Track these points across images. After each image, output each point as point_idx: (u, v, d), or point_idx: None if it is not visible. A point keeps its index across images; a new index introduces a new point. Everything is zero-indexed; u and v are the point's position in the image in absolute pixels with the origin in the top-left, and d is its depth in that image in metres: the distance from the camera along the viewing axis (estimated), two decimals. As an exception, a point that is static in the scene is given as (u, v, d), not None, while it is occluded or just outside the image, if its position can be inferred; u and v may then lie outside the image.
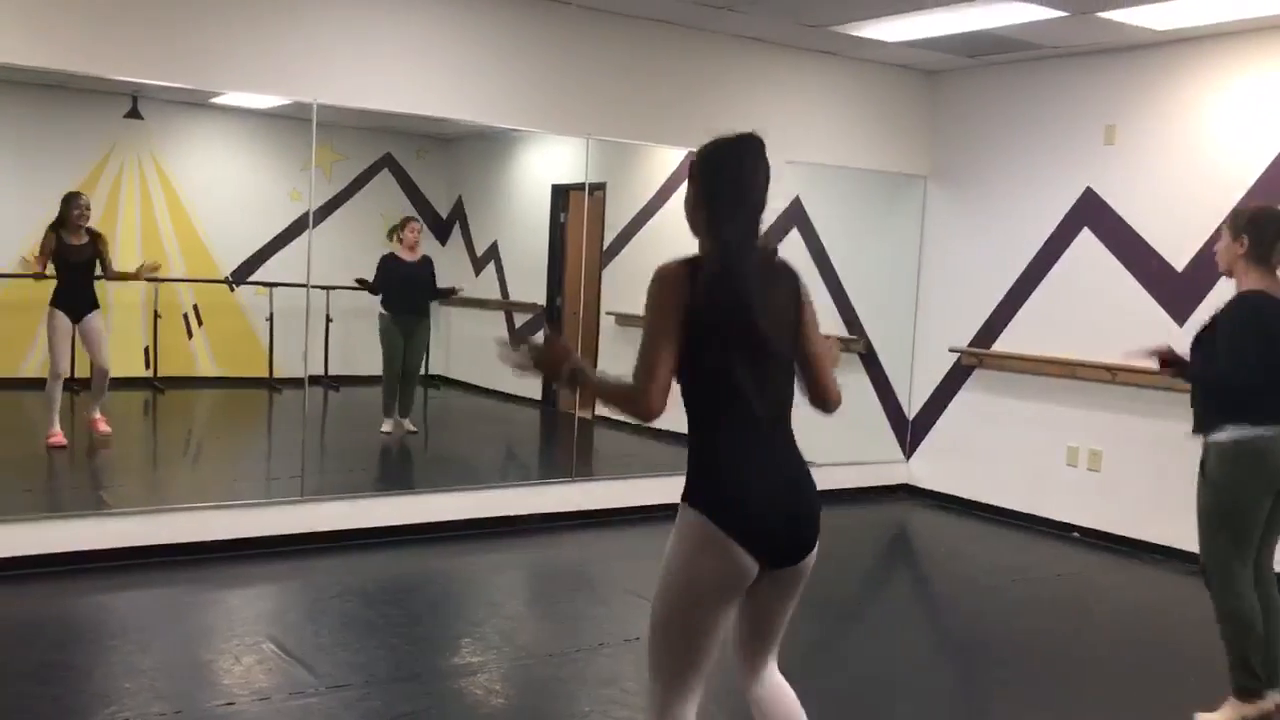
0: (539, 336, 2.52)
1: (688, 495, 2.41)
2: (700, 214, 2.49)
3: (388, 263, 7.93)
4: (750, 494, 2.37)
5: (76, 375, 7.53)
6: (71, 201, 6.85)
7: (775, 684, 2.63)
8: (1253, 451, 3.71)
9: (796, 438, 2.52)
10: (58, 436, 6.93)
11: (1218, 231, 3.97)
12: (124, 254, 9.28)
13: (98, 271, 6.99)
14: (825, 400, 2.58)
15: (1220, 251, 3.87)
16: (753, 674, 2.61)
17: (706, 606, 2.37)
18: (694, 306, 2.34)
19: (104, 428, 7.13)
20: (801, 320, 2.51)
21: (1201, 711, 3.88)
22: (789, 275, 2.52)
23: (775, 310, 2.45)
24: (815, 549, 2.49)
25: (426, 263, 8.07)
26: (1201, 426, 3.83)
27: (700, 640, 2.39)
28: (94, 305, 6.98)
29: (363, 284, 7.89)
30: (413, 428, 8.25)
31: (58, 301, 6.87)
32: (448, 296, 8.38)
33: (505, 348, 2.55)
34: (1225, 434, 3.74)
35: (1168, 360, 3.85)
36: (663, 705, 2.44)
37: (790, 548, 2.43)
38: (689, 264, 2.40)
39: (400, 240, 7.96)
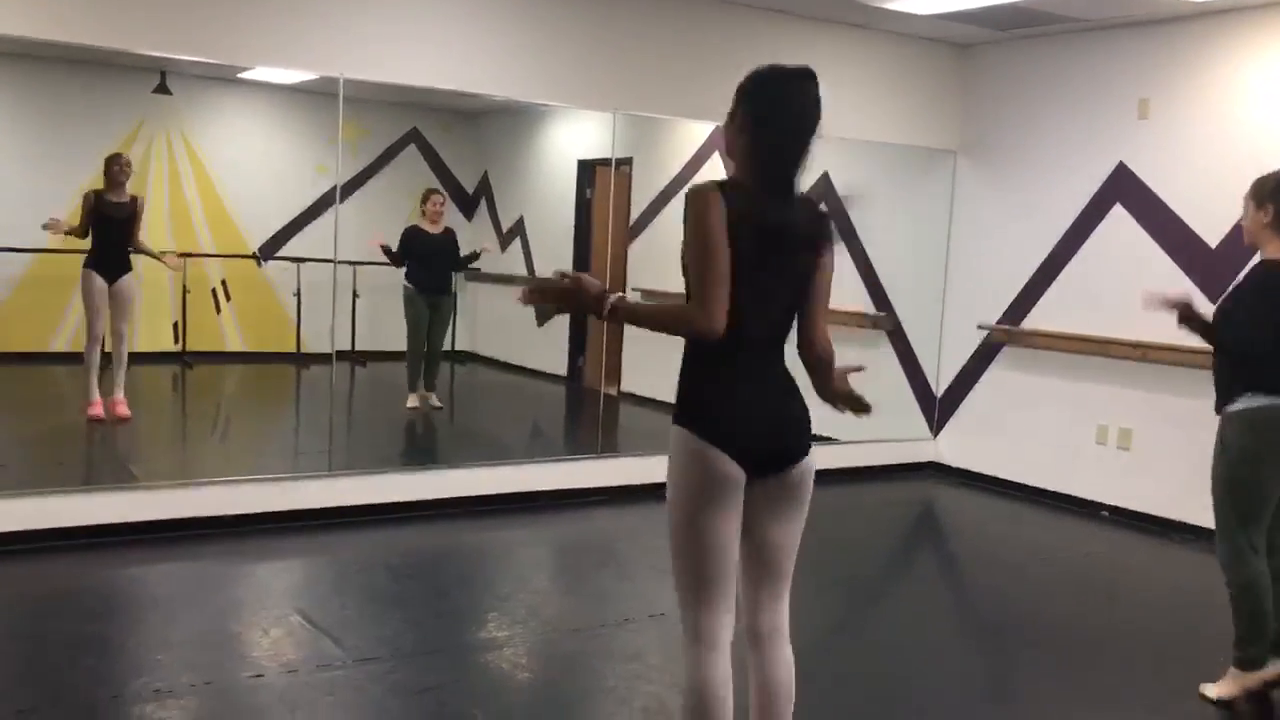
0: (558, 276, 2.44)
1: (675, 415, 2.47)
2: (742, 138, 2.47)
3: (411, 234, 7.91)
4: (731, 405, 2.42)
5: (106, 349, 7.57)
6: (114, 160, 6.91)
7: (779, 647, 2.58)
8: (1269, 420, 3.70)
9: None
10: (97, 407, 6.94)
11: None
12: (153, 229, 9.31)
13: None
14: (818, 353, 2.54)
15: (1246, 222, 3.86)
16: (755, 621, 2.58)
17: (705, 515, 2.42)
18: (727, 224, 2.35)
19: (124, 410, 7.05)
20: (816, 269, 2.49)
21: (1206, 683, 3.92)
22: (818, 214, 2.53)
23: (796, 244, 2.45)
24: (808, 466, 2.51)
25: (450, 235, 8.05)
26: (1221, 399, 3.83)
27: (709, 552, 2.44)
28: (129, 268, 6.98)
29: (386, 251, 7.85)
30: (438, 403, 8.25)
31: (92, 262, 6.86)
32: (474, 259, 8.31)
33: (530, 293, 2.45)
34: (1242, 403, 3.75)
35: (1184, 314, 3.81)
36: (693, 625, 2.49)
37: (771, 454, 2.46)
38: (720, 184, 2.40)
39: (423, 212, 7.95)
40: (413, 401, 8.05)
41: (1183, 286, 6.10)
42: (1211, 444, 3.90)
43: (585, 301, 2.41)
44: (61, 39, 4.94)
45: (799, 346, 2.56)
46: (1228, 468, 3.80)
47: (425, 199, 8.00)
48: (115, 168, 6.87)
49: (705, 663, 2.46)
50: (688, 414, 2.45)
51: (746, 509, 2.48)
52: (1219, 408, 3.83)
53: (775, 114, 2.44)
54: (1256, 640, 3.82)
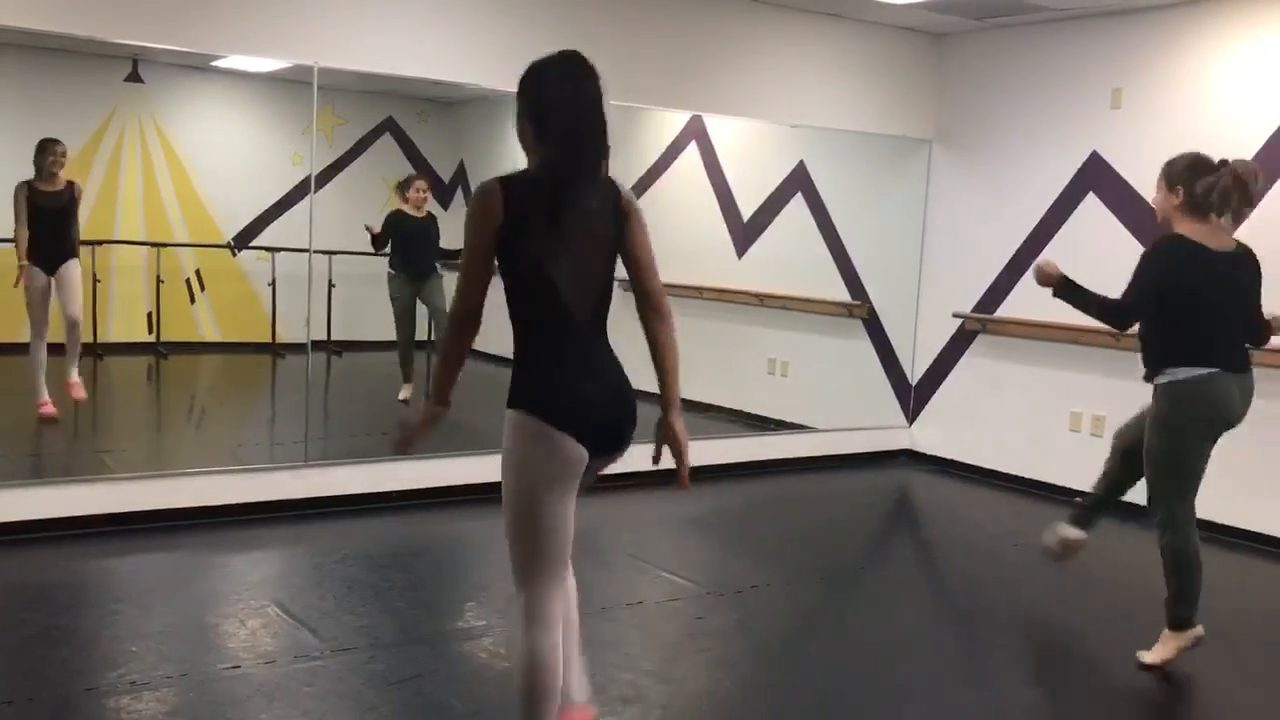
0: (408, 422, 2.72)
1: (509, 399, 2.56)
2: (526, 127, 2.60)
3: (395, 219, 7.81)
4: (565, 386, 2.53)
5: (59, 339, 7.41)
6: (46, 149, 6.60)
7: (567, 579, 2.79)
8: (1190, 393, 3.86)
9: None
10: (47, 406, 6.75)
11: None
12: (127, 218, 9.31)
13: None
14: (653, 304, 2.66)
15: (1157, 203, 3.99)
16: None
17: (547, 499, 2.55)
18: (510, 215, 2.47)
19: (79, 393, 6.90)
20: (626, 228, 2.60)
21: (1142, 650, 4.06)
22: (610, 185, 2.62)
23: (592, 215, 2.55)
24: (632, 438, 2.66)
25: (432, 220, 7.98)
26: (1149, 370, 3.99)
27: (550, 534, 2.58)
28: (71, 254, 6.73)
29: (371, 232, 7.68)
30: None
31: (32, 255, 6.58)
32: (454, 257, 8.23)
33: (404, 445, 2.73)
34: (1165, 377, 3.92)
35: (1052, 279, 4.05)
36: (529, 604, 2.60)
37: (611, 432, 2.59)
38: (507, 178, 2.54)
39: (406, 197, 7.89)
40: (405, 394, 7.88)
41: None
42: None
43: (427, 416, 2.65)
44: (31, 26, 4.88)
45: (636, 305, 2.68)
46: (1157, 440, 3.95)
47: (408, 184, 7.90)
48: (49, 158, 6.57)
49: (539, 639, 2.59)
50: (526, 397, 2.53)
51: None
52: (1148, 380, 3.98)
53: (554, 103, 2.56)
54: (1189, 599, 3.98)
